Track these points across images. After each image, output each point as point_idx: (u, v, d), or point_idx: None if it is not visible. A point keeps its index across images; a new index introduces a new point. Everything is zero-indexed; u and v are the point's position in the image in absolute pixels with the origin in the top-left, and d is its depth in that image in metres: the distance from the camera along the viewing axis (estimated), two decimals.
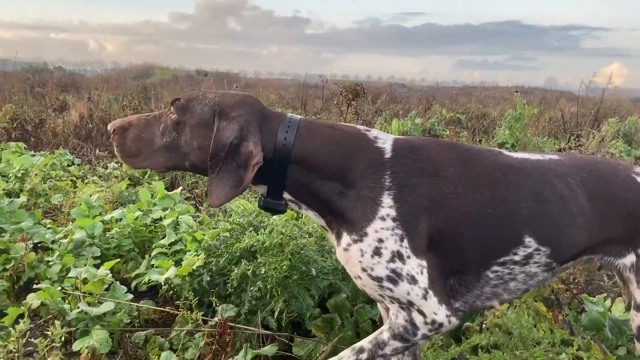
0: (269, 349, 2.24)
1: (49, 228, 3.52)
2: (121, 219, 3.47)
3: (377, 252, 1.51)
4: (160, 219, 3.56)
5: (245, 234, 2.60)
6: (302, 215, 3.04)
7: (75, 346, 2.31)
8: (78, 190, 4.63)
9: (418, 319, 1.53)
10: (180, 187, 4.63)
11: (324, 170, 1.55)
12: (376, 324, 2.51)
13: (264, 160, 1.52)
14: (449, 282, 1.60)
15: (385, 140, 1.60)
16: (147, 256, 3.18)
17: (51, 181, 4.80)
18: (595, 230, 1.65)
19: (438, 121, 11.38)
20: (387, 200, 1.51)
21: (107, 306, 2.45)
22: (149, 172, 5.49)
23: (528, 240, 1.58)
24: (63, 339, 2.33)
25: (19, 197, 4.09)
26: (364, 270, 1.53)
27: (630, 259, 1.69)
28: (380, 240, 1.50)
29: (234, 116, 1.52)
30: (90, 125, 8.47)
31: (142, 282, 2.94)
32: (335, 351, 2.31)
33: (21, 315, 2.51)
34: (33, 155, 5.77)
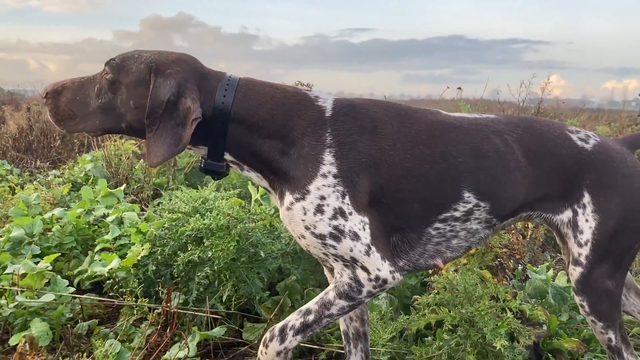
0: (218, 331, 2.20)
1: None
2: (62, 218, 3.35)
3: (319, 209, 1.50)
4: (104, 216, 3.46)
5: (192, 220, 2.56)
6: (250, 200, 3.02)
7: (13, 340, 2.20)
8: (17, 196, 4.48)
9: (362, 275, 1.53)
10: (125, 185, 4.51)
11: (264, 129, 1.54)
12: None
13: (204, 120, 1.49)
14: (392, 239, 1.60)
15: (325, 100, 1.60)
16: (89, 252, 3.08)
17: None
18: (533, 186, 1.69)
19: None
20: (328, 157, 1.51)
21: (47, 297, 2.35)
22: (92, 178, 5.35)
23: (467, 195, 1.61)
24: None
25: None
26: (307, 228, 1.52)
27: (567, 214, 1.74)
28: (322, 198, 1.50)
29: (171, 73, 1.50)
30: (30, 137, 8.21)
31: (86, 277, 2.85)
32: None
33: None
34: None
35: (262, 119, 1.54)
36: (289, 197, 1.54)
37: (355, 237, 1.51)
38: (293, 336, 1.56)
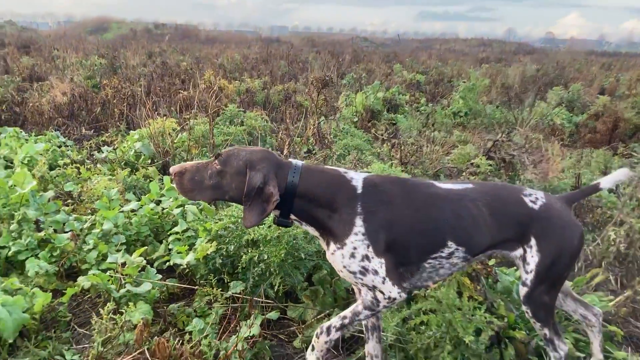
0: (273, 314, 3.07)
1: (74, 218, 4.21)
2: (137, 210, 4.20)
3: (352, 255, 2.31)
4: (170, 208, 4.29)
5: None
6: None
7: (134, 318, 3.03)
8: (82, 176, 5.30)
9: (380, 296, 2.36)
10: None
11: (318, 201, 2.34)
12: (349, 292, 3.36)
13: (279, 196, 2.29)
14: (399, 270, 2.42)
15: (357, 180, 2.39)
16: (164, 241, 3.94)
17: (59, 169, 5.43)
18: (496, 234, 2.49)
19: (398, 90, 12.18)
20: (358, 221, 2.31)
21: (146, 286, 3.23)
22: (142, 157, 6.15)
23: (450, 243, 2.41)
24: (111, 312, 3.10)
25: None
26: (344, 266, 2.34)
27: (519, 251, 2.54)
28: (355, 248, 2.31)
29: (259, 168, 2.28)
30: (74, 105, 8.98)
31: (164, 263, 3.72)
32: (320, 313, 3.17)
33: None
34: (26, 140, 6.34)
35: (317, 195, 2.33)
36: (332, 246, 2.36)
37: (375, 272, 2.33)
38: (335, 332, 2.41)
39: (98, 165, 5.79)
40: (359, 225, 2.31)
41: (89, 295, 3.50)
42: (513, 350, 2.77)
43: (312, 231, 2.44)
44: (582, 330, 3.00)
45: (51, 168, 5.61)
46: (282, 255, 3.12)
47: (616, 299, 3.38)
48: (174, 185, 2.39)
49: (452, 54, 36.51)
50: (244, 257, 3.23)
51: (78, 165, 5.65)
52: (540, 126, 9.20)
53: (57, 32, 40.49)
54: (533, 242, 2.50)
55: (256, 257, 3.19)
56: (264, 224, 3.30)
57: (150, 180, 5.32)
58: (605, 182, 2.72)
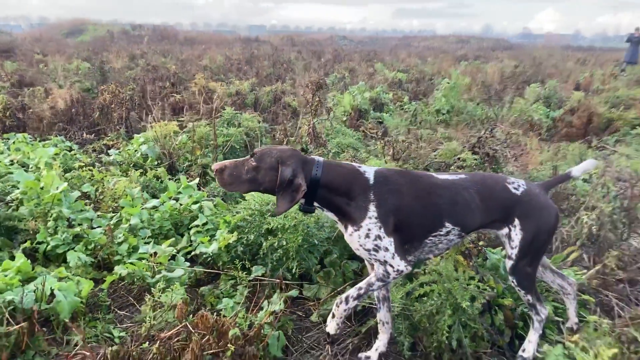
0: (293, 292, 3.51)
1: (99, 216, 4.61)
2: (158, 207, 4.61)
3: (367, 235, 2.76)
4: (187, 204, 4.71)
5: (265, 217, 3.84)
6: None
7: (175, 299, 3.45)
8: (95, 178, 5.68)
9: (390, 269, 2.81)
10: (197, 179, 5.68)
11: (338, 191, 2.78)
12: (357, 273, 3.81)
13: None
14: (405, 247, 2.87)
15: (369, 172, 2.83)
16: (186, 234, 4.36)
17: (74, 171, 5.81)
18: (485, 216, 2.95)
19: (382, 90, 12.67)
20: (372, 207, 2.76)
21: (179, 272, 3.65)
22: (149, 159, 6.54)
23: (447, 224, 2.87)
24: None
25: None
26: (360, 245, 2.79)
27: (505, 230, 3.01)
28: (369, 229, 2.76)
29: (289, 163, 2.71)
30: (72, 111, 9.31)
31: (187, 253, 4.14)
32: (333, 291, 3.62)
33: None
34: (32, 145, 6.71)
35: (337, 186, 2.78)
36: (350, 229, 2.80)
37: (386, 249, 2.77)
38: (352, 301, 2.86)
39: (111, 168, 6.16)
40: (372, 211, 2.76)
41: (123, 283, 3.90)
42: (502, 316, 3.25)
43: (332, 216, 2.89)
44: (560, 300, 3.48)
45: (64, 171, 5.98)
46: (299, 241, 3.57)
47: (588, 272, 3.88)
48: (216, 180, 2.82)
49: (431, 51, 37.18)
50: (264, 244, 3.67)
51: (91, 167, 6.02)
52: (519, 122, 9.73)
53: (31, 35, 40.27)
54: (517, 222, 2.97)
55: (276, 244, 3.63)
56: (288, 214, 3.73)
57: (161, 181, 5.73)
58: (576, 170, 3.21)
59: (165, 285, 3.56)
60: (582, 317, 3.41)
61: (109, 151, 7.12)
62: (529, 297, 3.06)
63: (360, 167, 2.88)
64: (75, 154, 6.74)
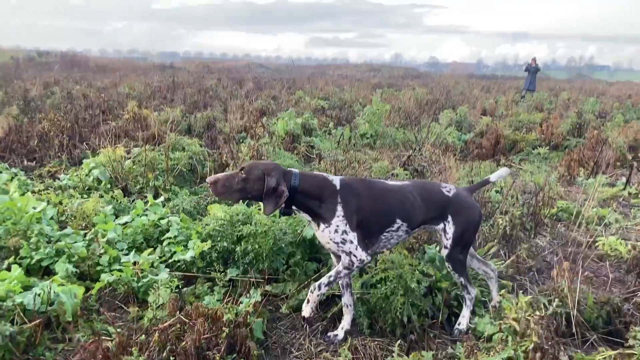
0: (268, 287, 4.09)
1: (73, 232, 4.98)
2: (129, 222, 5.05)
3: (336, 231, 3.41)
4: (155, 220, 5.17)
5: (235, 226, 4.41)
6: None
7: (157, 300, 3.93)
8: (52, 201, 5.99)
9: (354, 259, 3.46)
10: (162, 197, 6.11)
11: (311, 196, 3.41)
12: (316, 271, 4.43)
13: None
14: (365, 241, 3.55)
15: (336, 180, 3.48)
16: (159, 245, 4.82)
17: (34, 194, 6.08)
18: (426, 213, 3.68)
19: (310, 116, 13.47)
20: (339, 208, 3.41)
21: (164, 274, 4.13)
22: (103, 182, 6.88)
23: (398, 220, 3.58)
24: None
25: None
26: (331, 239, 3.43)
27: (441, 225, 3.76)
28: (337, 226, 3.41)
29: (273, 174, 3.31)
30: (9, 138, 9.40)
31: (162, 262, 4.61)
32: (298, 287, 4.22)
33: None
34: None
35: (311, 192, 3.41)
36: (322, 226, 3.44)
37: (351, 242, 3.43)
38: (324, 287, 3.49)
39: (71, 190, 6.47)
40: (339, 211, 3.42)
41: (106, 290, 4.31)
42: (441, 298, 3.98)
43: (307, 217, 3.52)
44: (484, 285, 4.27)
45: (21, 195, 6.22)
46: (271, 244, 4.16)
47: (506, 262, 4.72)
48: (210, 190, 3.38)
49: (346, 80, 38.69)
50: (238, 248, 4.24)
51: (48, 191, 6.31)
52: (437, 144, 10.78)
53: None
54: (450, 218, 3.73)
55: (249, 248, 4.21)
56: (259, 221, 4.32)
57: (119, 202, 6.13)
58: (493, 177, 4.04)
59: (154, 287, 4.04)
60: (501, 296, 4.20)
61: (59, 176, 7.36)
62: (462, 279, 3.81)
63: (328, 176, 3.54)
64: (25, 180, 6.95)
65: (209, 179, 3.40)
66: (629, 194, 7.78)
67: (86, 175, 7.09)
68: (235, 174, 3.40)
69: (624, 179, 8.38)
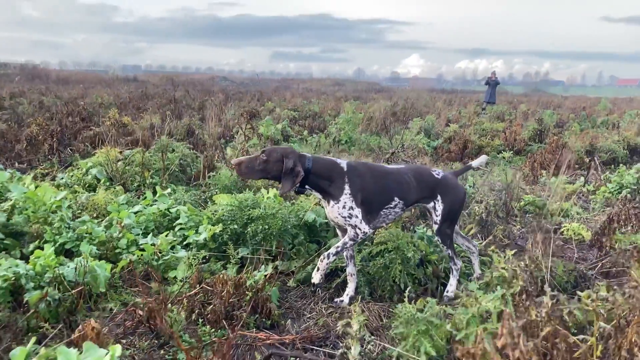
0: (277, 263, 4.57)
1: (89, 220, 5.36)
2: (141, 210, 5.47)
3: (344, 207, 3.93)
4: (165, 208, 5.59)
5: (244, 210, 4.89)
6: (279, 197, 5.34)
7: (172, 274, 4.38)
8: (60, 194, 6.34)
9: (358, 231, 3.98)
10: (168, 189, 6.51)
11: (323, 177, 3.93)
12: (317, 251, 4.93)
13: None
14: (367, 217, 4.07)
15: (343, 164, 4.01)
16: (171, 231, 5.25)
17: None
18: (419, 194, 4.24)
19: (287, 123, 14.01)
20: (346, 187, 3.94)
21: (183, 252, 4.57)
22: (102, 180, 7.25)
23: (395, 198, 4.13)
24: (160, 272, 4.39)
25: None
26: (339, 214, 3.95)
27: (432, 204, 4.32)
28: (345, 202, 3.93)
29: (291, 157, 3.82)
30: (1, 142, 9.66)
31: (179, 243, 5.04)
32: (302, 264, 4.72)
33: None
34: None
35: (322, 173, 3.93)
36: (332, 202, 3.95)
37: (356, 217, 3.96)
38: (332, 256, 4.00)
39: (75, 187, 6.82)
40: (346, 189, 3.95)
41: (125, 270, 4.72)
42: (431, 269, 4.54)
43: (318, 195, 4.04)
44: (467, 260, 4.85)
45: None
46: (280, 224, 4.66)
47: (485, 241, 5.32)
48: (235, 171, 3.87)
49: (311, 93, 39.46)
50: (248, 229, 4.72)
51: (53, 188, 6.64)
52: (410, 148, 11.43)
53: None
54: (439, 197, 4.30)
55: (259, 229, 4.69)
56: (268, 205, 4.80)
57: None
58: (475, 163, 4.64)
59: (174, 265, 4.48)
60: (483, 269, 4.78)
61: (57, 175, 7.69)
62: (450, 251, 4.38)
63: (337, 159, 4.07)
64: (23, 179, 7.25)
65: (234, 161, 3.89)
66: (588, 190, 8.54)
67: (84, 174, 7.44)
68: (257, 157, 3.89)
69: (582, 179, 9.15)
